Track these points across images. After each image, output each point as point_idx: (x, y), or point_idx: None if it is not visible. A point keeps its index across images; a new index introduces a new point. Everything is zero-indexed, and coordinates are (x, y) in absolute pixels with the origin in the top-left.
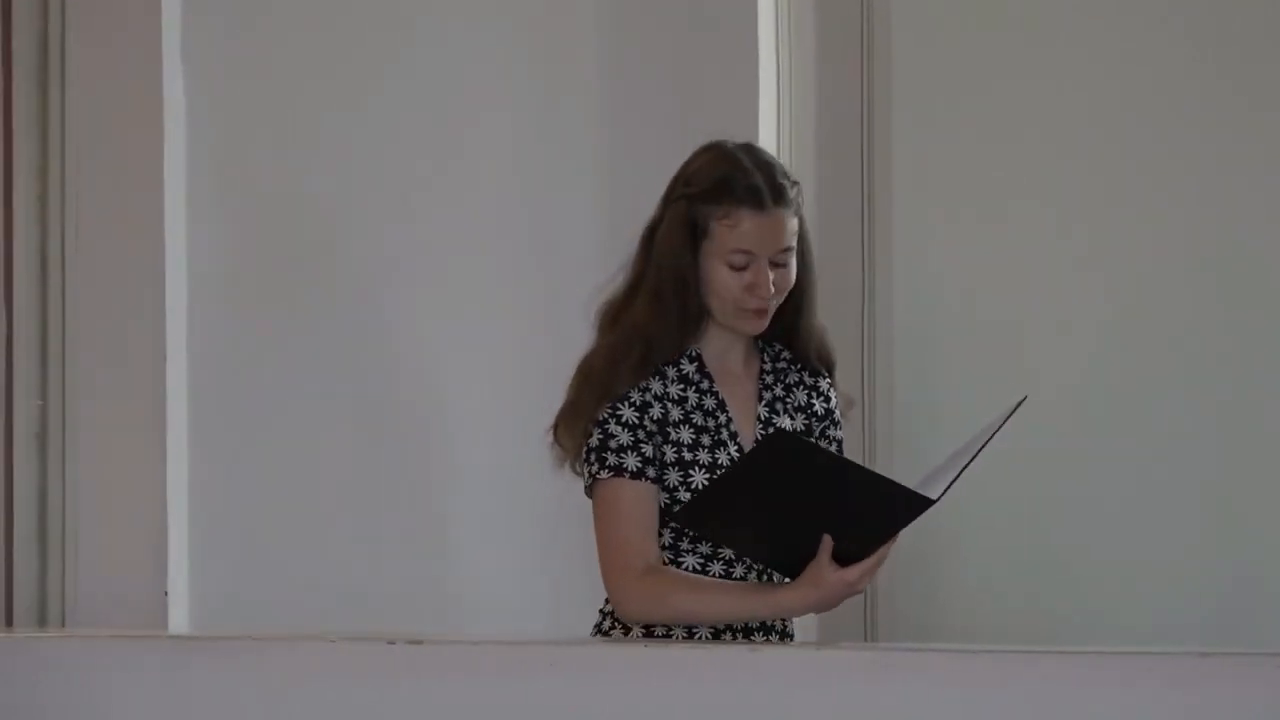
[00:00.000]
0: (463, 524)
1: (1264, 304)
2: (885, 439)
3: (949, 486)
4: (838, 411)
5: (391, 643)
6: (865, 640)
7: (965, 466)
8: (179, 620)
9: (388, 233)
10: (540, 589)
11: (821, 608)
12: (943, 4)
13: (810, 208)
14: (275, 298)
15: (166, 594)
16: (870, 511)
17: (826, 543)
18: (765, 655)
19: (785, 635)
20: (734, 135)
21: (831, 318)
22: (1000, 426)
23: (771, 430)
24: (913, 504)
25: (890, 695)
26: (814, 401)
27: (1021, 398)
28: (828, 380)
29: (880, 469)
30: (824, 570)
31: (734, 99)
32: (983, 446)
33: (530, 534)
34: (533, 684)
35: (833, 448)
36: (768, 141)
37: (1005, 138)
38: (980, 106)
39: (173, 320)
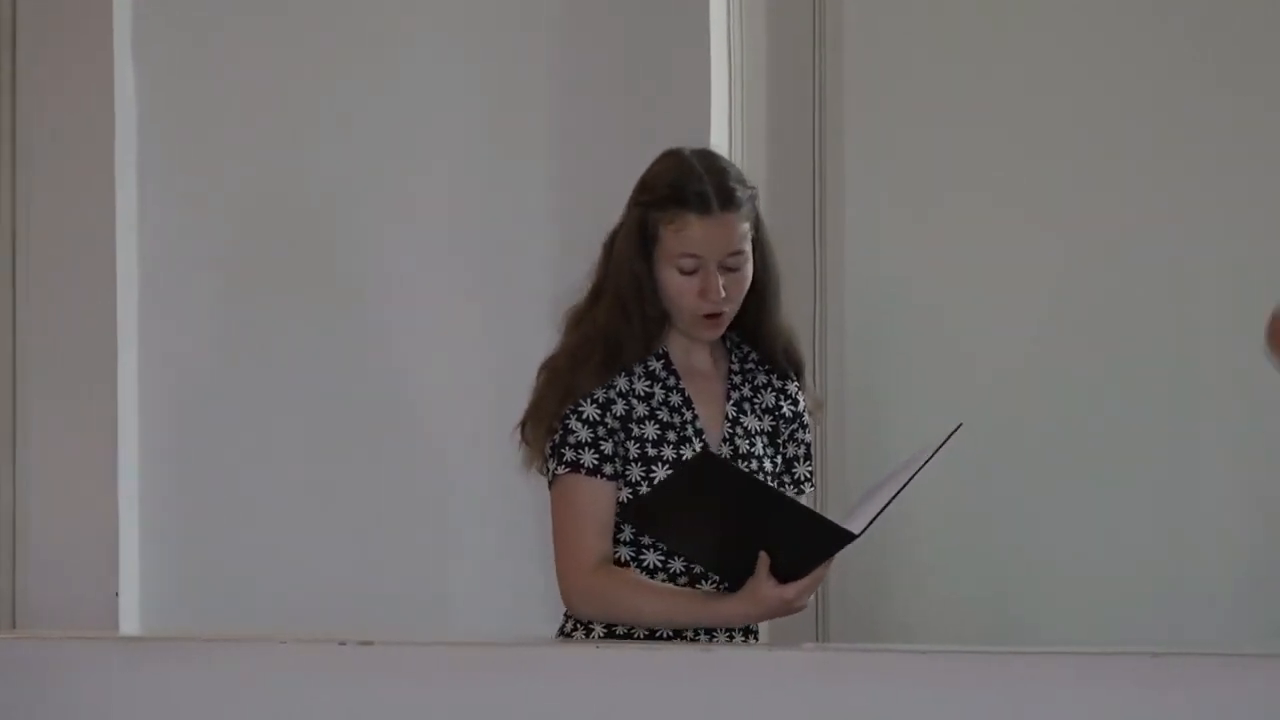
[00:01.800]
0: (419, 524)
1: (1219, 303)
2: (837, 436)
3: (872, 521)
4: (806, 414)
5: (342, 644)
6: (819, 641)
7: (893, 498)
8: (130, 621)
9: (341, 234)
10: (501, 590)
11: (761, 620)
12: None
13: (762, 205)
14: (227, 299)
15: (117, 595)
16: (797, 538)
17: (764, 560)
18: (721, 656)
19: (749, 633)
20: (686, 133)
21: (784, 313)
22: (933, 455)
23: (739, 431)
24: (836, 536)
25: (844, 695)
26: (782, 404)
27: (956, 425)
28: (796, 383)
29: (832, 468)
30: (762, 585)
31: (686, 98)
32: (913, 476)
33: (489, 535)
34: (484, 685)
35: (800, 450)
36: (719, 141)
37: (959, 134)
38: (933, 104)
39: (124, 322)
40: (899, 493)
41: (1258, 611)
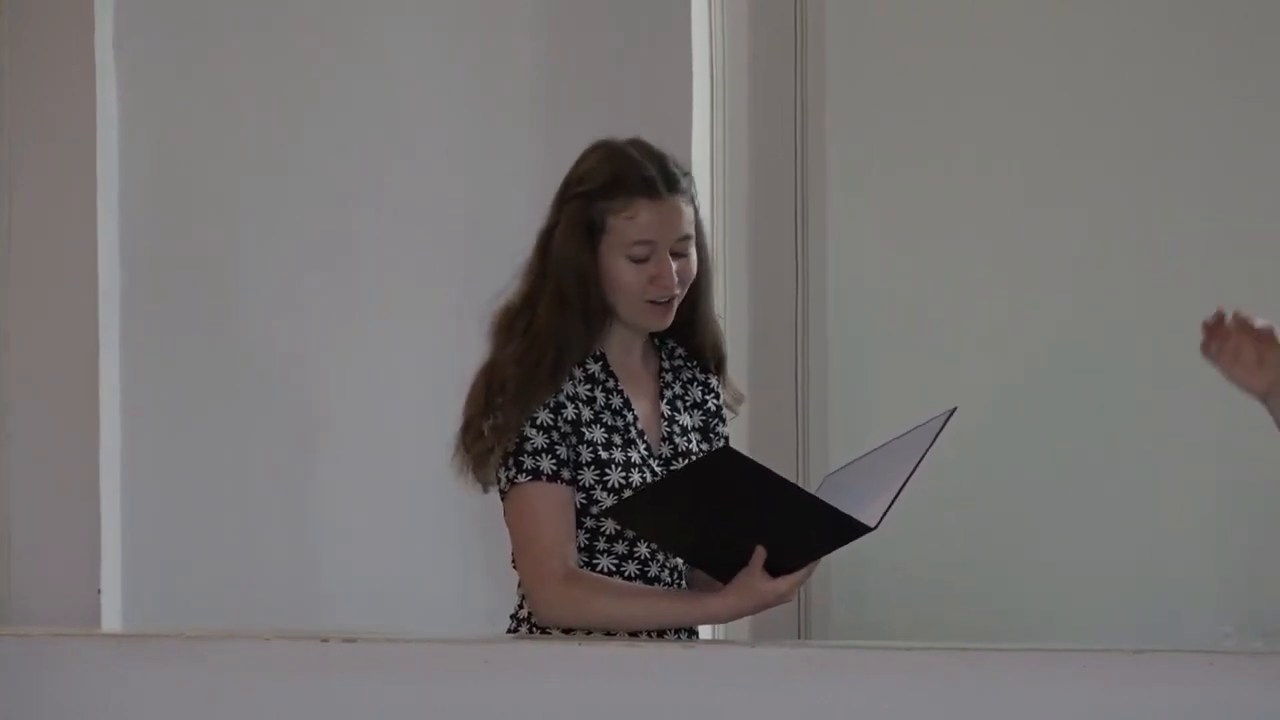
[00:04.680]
0: (402, 522)
1: (1202, 304)
2: (819, 440)
3: (886, 512)
4: (725, 409)
5: (325, 640)
6: (799, 638)
7: (902, 487)
8: (112, 618)
9: (324, 233)
10: (486, 587)
11: (747, 615)
12: (875, 6)
13: (744, 210)
14: (208, 298)
15: (100, 592)
16: (808, 531)
17: (759, 554)
18: (701, 653)
19: (692, 635)
20: (668, 134)
21: (766, 319)
22: (934, 439)
23: (676, 429)
24: (852, 529)
25: (825, 693)
26: (707, 398)
27: (951, 408)
28: (717, 377)
29: (813, 468)
30: (755, 580)
31: (668, 104)
32: (919, 462)
33: (475, 533)
34: (467, 682)
35: (721, 443)
36: (701, 147)
37: (942, 133)
38: (917, 102)
39: (106, 321)
40: (905, 484)
41: (1241, 609)
